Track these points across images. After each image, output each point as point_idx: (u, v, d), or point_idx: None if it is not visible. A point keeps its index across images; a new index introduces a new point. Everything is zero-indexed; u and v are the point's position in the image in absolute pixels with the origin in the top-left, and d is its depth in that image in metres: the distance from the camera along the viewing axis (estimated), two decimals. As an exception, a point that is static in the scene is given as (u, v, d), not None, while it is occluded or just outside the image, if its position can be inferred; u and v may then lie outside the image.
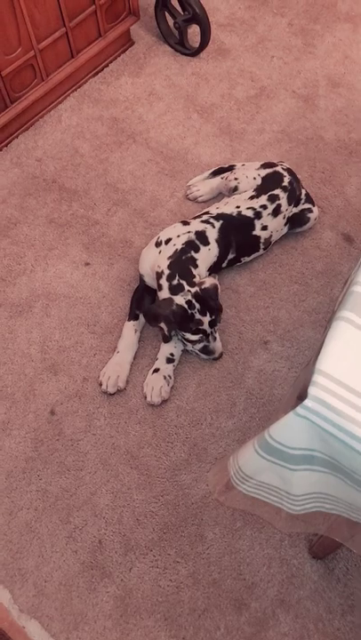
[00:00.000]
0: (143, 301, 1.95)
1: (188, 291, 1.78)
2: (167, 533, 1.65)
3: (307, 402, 0.88)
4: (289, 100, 2.46)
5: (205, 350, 1.84)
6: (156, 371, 1.84)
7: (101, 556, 1.62)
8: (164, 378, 1.82)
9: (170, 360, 1.85)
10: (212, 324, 1.80)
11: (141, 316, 1.92)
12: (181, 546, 1.63)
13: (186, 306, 1.76)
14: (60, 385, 1.86)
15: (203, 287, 1.79)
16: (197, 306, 1.77)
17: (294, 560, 1.61)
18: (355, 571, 1.59)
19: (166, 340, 1.81)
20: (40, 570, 1.61)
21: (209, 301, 1.78)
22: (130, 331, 1.90)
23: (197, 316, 1.77)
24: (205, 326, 1.78)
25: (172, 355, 1.86)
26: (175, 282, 1.80)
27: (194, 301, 1.77)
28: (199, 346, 1.83)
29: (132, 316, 1.92)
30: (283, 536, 1.63)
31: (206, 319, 1.78)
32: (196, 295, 1.78)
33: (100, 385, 1.84)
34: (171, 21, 2.58)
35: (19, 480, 1.72)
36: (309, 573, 1.59)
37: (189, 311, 1.76)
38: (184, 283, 1.80)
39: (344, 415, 0.87)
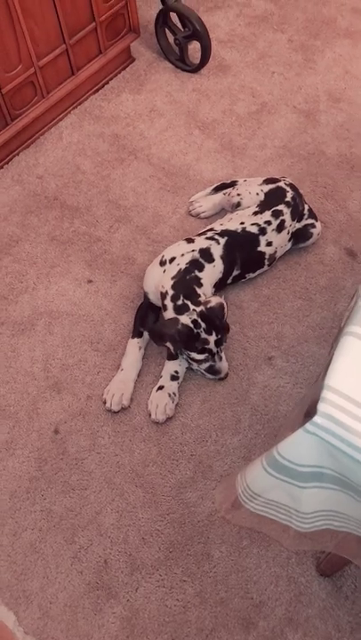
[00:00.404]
0: (147, 319, 1.98)
1: (194, 310, 1.81)
2: (173, 552, 1.67)
3: (316, 418, 0.89)
4: (290, 116, 2.51)
5: (211, 370, 1.87)
6: (161, 388, 1.87)
7: (107, 576, 1.64)
8: (169, 395, 1.85)
9: (174, 377, 1.88)
10: (217, 343, 1.82)
11: (145, 334, 1.95)
12: (188, 565, 1.65)
13: (192, 325, 1.79)
14: (63, 403, 1.89)
15: (208, 306, 1.81)
16: (203, 325, 1.80)
17: (302, 578, 1.63)
18: (363, 588, 1.62)
19: (172, 357, 1.84)
20: (45, 591, 1.62)
21: (215, 320, 1.80)
22: (134, 348, 1.93)
23: (203, 335, 1.80)
24: (211, 345, 1.81)
25: (176, 372, 1.89)
26: (180, 302, 1.83)
27: (200, 320, 1.80)
28: (205, 365, 1.86)
29: (136, 334, 1.95)
30: (290, 554, 1.65)
31: (212, 338, 1.81)
32: (201, 314, 1.80)
33: (104, 403, 1.87)
34: (171, 38, 2.63)
35: (23, 500, 1.74)
36: (317, 591, 1.61)
37: (195, 330, 1.79)
38: (189, 303, 1.83)
39: (353, 431, 0.87)
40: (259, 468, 1.02)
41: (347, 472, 0.92)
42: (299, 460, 0.95)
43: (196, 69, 2.64)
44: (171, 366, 1.89)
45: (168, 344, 1.80)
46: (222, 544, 1.67)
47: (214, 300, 1.83)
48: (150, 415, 1.85)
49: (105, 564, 1.65)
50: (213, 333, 1.80)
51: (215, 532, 1.69)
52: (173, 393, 1.86)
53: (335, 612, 1.59)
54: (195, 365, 1.87)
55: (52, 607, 1.60)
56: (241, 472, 1.11)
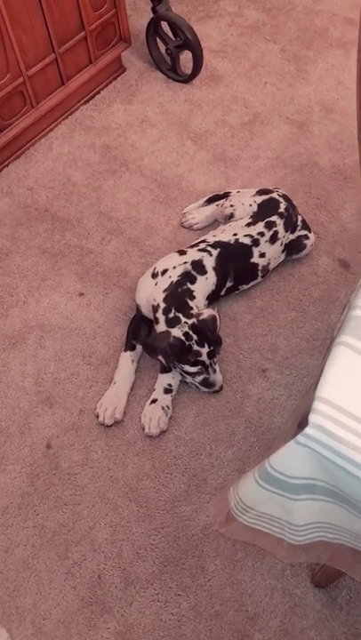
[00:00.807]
0: (140, 331, 2.02)
1: (185, 322, 1.86)
2: (168, 566, 1.70)
3: (307, 430, 0.89)
4: (283, 127, 2.57)
5: (205, 383, 1.91)
6: (154, 401, 1.91)
7: (101, 591, 1.67)
8: (162, 408, 1.89)
9: (168, 390, 1.92)
10: (210, 354, 1.87)
11: (138, 347, 1.99)
12: (182, 578, 1.69)
13: (183, 338, 1.83)
14: (55, 418, 1.92)
15: (200, 318, 1.86)
16: (195, 337, 1.84)
17: (297, 590, 1.67)
18: (357, 598, 1.65)
19: (165, 370, 1.89)
20: (38, 607, 1.66)
21: (207, 332, 1.85)
22: (126, 361, 1.97)
23: (195, 347, 1.84)
24: (204, 357, 1.86)
25: (169, 385, 1.93)
26: (171, 315, 1.88)
27: (191, 333, 1.84)
28: (199, 378, 1.90)
29: (129, 347, 1.99)
30: (285, 566, 1.69)
31: (205, 350, 1.85)
32: (193, 327, 1.85)
33: (97, 417, 1.90)
34: (162, 47, 2.69)
35: (15, 516, 1.78)
36: (312, 603, 1.65)
37: (187, 343, 1.83)
38: (180, 315, 1.87)
39: (346, 442, 0.87)
40: (251, 480, 1.04)
41: (339, 484, 0.93)
42: (291, 472, 0.96)
43: (187, 79, 2.70)
44: (164, 379, 1.93)
45: (160, 357, 1.84)
46: (217, 557, 1.71)
47: (206, 313, 1.87)
48: (144, 429, 1.88)
49: (99, 579, 1.69)
50: (206, 345, 1.85)
51: (210, 546, 1.73)
52: (167, 406, 1.90)
53: (330, 624, 1.63)
54: (189, 379, 1.91)
55: (46, 623, 1.64)
56: (234, 485, 1.13)
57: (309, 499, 1.00)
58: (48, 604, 1.66)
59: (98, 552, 1.73)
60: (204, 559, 1.71)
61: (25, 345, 2.05)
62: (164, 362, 1.85)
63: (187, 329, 1.84)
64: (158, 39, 2.70)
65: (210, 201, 2.32)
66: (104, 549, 1.73)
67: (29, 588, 1.68)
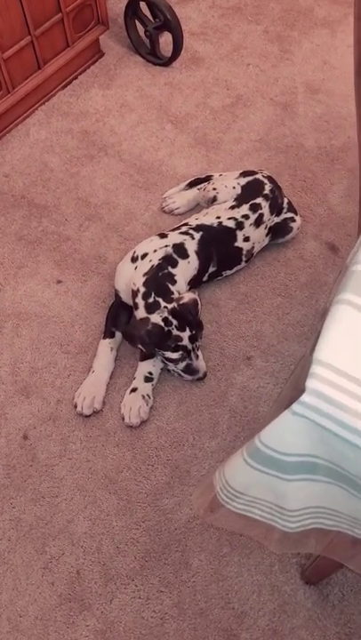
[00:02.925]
0: (119, 318, 1.98)
1: (165, 307, 1.82)
2: (150, 561, 1.66)
3: (304, 397, 0.80)
4: (267, 108, 2.54)
5: (188, 370, 1.87)
6: (134, 390, 1.87)
7: (80, 587, 1.63)
8: (143, 397, 1.85)
9: (148, 379, 1.88)
10: (192, 339, 1.83)
11: (118, 334, 1.95)
12: (165, 574, 1.64)
13: (162, 323, 1.80)
14: (32, 408, 1.88)
15: (181, 302, 1.82)
16: (175, 322, 1.80)
17: (286, 586, 1.62)
18: (351, 596, 1.61)
19: (146, 357, 1.85)
20: (14, 604, 1.61)
21: (187, 316, 1.81)
22: (105, 349, 1.93)
23: (175, 332, 1.80)
24: (185, 342, 1.82)
25: (150, 373, 1.89)
26: (151, 300, 1.84)
27: (170, 318, 1.80)
28: (182, 365, 1.86)
29: (108, 334, 1.96)
30: (273, 561, 1.65)
31: (186, 334, 1.81)
32: (173, 311, 1.81)
33: (75, 407, 1.86)
34: (141, 30, 2.66)
35: (-10, 510, 1.74)
36: (303, 600, 1.61)
37: (166, 328, 1.80)
38: (160, 300, 1.83)
39: (349, 410, 0.79)
40: (239, 460, 0.94)
41: (341, 460, 0.84)
42: (284, 449, 0.87)
43: (167, 63, 2.67)
44: (144, 367, 1.89)
45: (140, 346, 1.80)
46: (201, 552, 1.67)
47: (187, 297, 1.84)
48: (123, 419, 1.84)
49: (77, 574, 1.64)
50: (187, 329, 1.81)
51: (194, 540, 1.69)
52: (148, 395, 1.86)
53: (322, 623, 1.58)
54: (171, 366, 1.88)
55: (23, 620, 1.59)
56: (219, 467, 1.04)
57: (305, 479, 0.92)
58: (25, 600, 1.62)
59: (76, 546, 1.68)
60: (188, 554, 1.67)
61: (1, 334, 2.01)
62: (144, 350, 1.81)
63: (166, 314, 1.80)
64: (137, 21, 2.67)
65: (191, 185, 2.29)
66: (83, 544, 1.69)
67: (5, 584, 1.64)
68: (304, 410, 0.80)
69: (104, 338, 1.95)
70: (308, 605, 1.60)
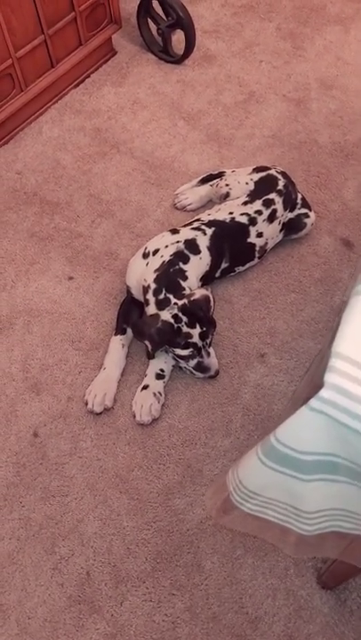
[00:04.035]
0: (131, 314, 1.89)
1: (175, 303, 1.73)
2: (161, 563, 1.57)
3: (322, 392, 0.74)
4: (280, 105, 2.43)
5: (200, 367, 1.78)
6: (146, 387, 1.77)
7: (90, 588, 1.54)
8: (154, 395, 1.75)
9: (160, 376, 1.79)
10: (202, 336, 1.74)
11: (129, 331, 1.86)
12: (177, 577, 1.55)
13: (172, 320, 1.71)
14: (43, 405, 1.79)
15: (192, 299, 1.73)
16: (185, 319, 1.71)
17: (302, 591, 1.52)
18: (369, 601, 1.51)
19: (150, 357, 1.75)
20: (23, 605, 1.52)
21: (198, 312, 1.72)
22: (117, 345, 1.84)
23: (185, 329, 1.71)
24: (195, 339, 1.72)
25: (162, 370, 1.80)
26: (162, 296, 1.75)
27: (180, 314, 1.71)
28: (193, 362, 1.77)
29: (119, 330, 1.86)
30: (288, 564, 1.55)
31: (196, 331, 1.72)
32: (183, 307, 1.72)
33: (86, 404, 1.77)
34: (154, 28, 2.57)
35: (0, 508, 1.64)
36: (319, 605, 1.51)
37: (176, 325, 1.71)
38: (171, 296, 1.74)
39: None
40: (253, 459, 0.89)
41: (360, 459, 0.79)
42: (302, 447, 0.81)
43: (179, 60, 2.57)
44: (156, 364, 1.80)
45: (147, 342, 1.71)
46: (214, 554, 1.57)
47: (198, 293, 1.74)
48: (135, 416, 1.75)
49: (87, 575, 1.55)
50: (197, 326, 1.72)
51: (206, 542, 1.59)
52: (159, 392, 1.77)
53: (339, 629, 1.48)
54: (182, 363, 1.78)
55: (31, 623, 1.50)
56: (233, 467, 0.99)
57: (323, 479, 0.86)
58: (34, 601, 1.53)
59: (86, 547, 1.59)
60: (201, 556, 1.57)
61: (12, 330, 1.92)
62: (149, 348, 1.72)
63: (176, 311, 1.71)
64: (150, 19, 2.58)
65: (204, 181, 2.19)
66: (93, 544, 1.59)
67: (14, 585, 1.55)
68: (322, 405, 0.74)
69: (115, 334, 1.86)
70: (325, 611, 1.50)
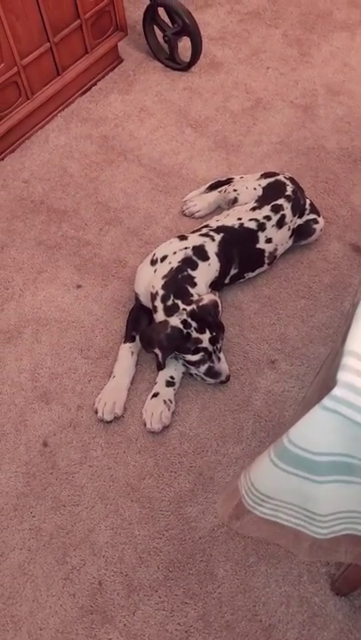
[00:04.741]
0: (140, 322, 1.90)
1: (184, 309, 1.74)
2: (173, 572, 1.57)
3: (336, 390, 0.73)
4: (287, 111, 2.45)
5: (211, 372, 1.79)
6: (156, 395, 1.78)
7: (102, 598, 1.54)
8: (165, 402, 1.76)
9: (170, 383, 1.80)
10: (212, 341, 1.75)
11: (138, 338, 1.86)
12: (190, 585, 1.55)
13: (181, 326, 1.72)
14: (52, 414, 1.80)
15: (200, 304, 1.74)
16: (194, 324, 1.72)
17: (315, 598, 1.53)
18: (383, 607, 1.51)
19: (161, 367, 1.76)
20: (35, 616, 1.53)
21: (207, 318, 1.73)
22: (126, 353, 1.85)
23: (194, 334, 1.72)
24: (206, 344, 1.73)
25: (172, 377, 1.80)
26: (170, 302, 1.76)
27: (189, 320, 1.72)
28: (203, 368, 1.78)
29: (129, 338, 1.88)
30: (301, 571, 1.55)
31: (206, 336, 1.73)
32: (191, 313, 1.73)
33: (96, 412, 1.78)
34: (160, 36, 2.59)
35: (10, 518, 1.65)
36: (333, 612, 1.51)
37: (185, 331, 1.72)
38: (179, 302, 1.76)
39: None
40: (266, 461, 0.88)
41: None
42: (315, 448, 0.80)
43: (186, 68, 2.60)
44: (166, 372, 1.81)
45: (156, 351, 1.72)
46: (227, 562, 1.57)
47: (207, 298, 1.76)
48: (145, 424, 1.76)
49: (99, 585, 1.55)
50: (207, 331, 1.73)
51: (219, 549, 1.59)
52: (169, 400, 1.77)
53: (354, 635, 1.48)
54: (193, 369, 1.79)
55: (43, 634, 1.50)
56: (245, 470, 0.98)
57: (338, 481, 0.85)
58: (45, 612, 1.53)
59: (98, 556, 1.59)
60: (213, 564, 1.57)
61: (21, 339, 1.93)
62: (159, 356, 1.72)
63: (185, 316, 1.72)
64: (156, 27, 2.60)
65: (212, 188, 2.21)
66: (105, 553, 1.60)
67: (25, 596, 1.55)
68: (336, 404, 0.74)
69: (125, 342, 1.87)
70: (340, 617, 1.50)
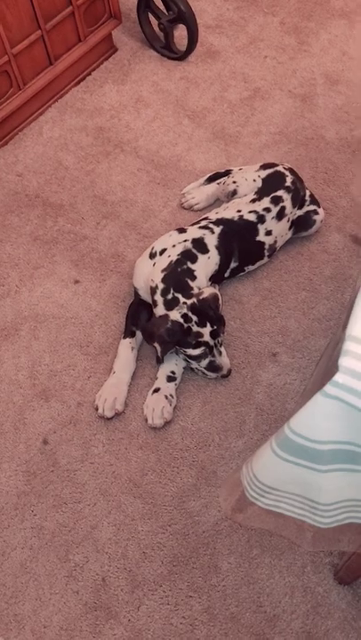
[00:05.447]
0: (139, 316, 1.96)
1: (184, 303, 1.79)
2: (177, 566, 1.62)
3: (337, 377, 0.73)
4: (285, 101, 2.51)
5: (212, 367, 1.84)
6: (157, 390, 1.83)
7: (106, 595, 1.60)
8: (166, 398, 1.82)
9: (171, 378, 1.85)
10: (213, 334, 1.80)
11: (138, 333, 1.92)
12: (194, 579, 1.61)
13: (182, 320, 1.77)
14: (52, 412, 1.86)
15: (201, 298, 1.80)
16: (195, 318, 1.78)
17: (319, 587, 1.59)
18: (387, 597, 1.57)
19: (159, 361, 1.82)
20: (38, 614, 1.58)
21: (208, 311, 1.78)
22: (126, 349, 1.90)
23: (195, 328, 1.78)
24: (207, 338, 1.79)
25: (173, 372, 1.86)
26: (170, 296, 1.81)
27: (190, 314, 1.78)
28: (205, 362, 1.83)
29: (128, 333, 1.93)
30: (305, 562, 1.61)
31: (207, 330, 1.78)
32: (192, 307, 1.78)
33: (97, 409, 1.83)
34: (155, 24, 2.63)
35: (11, 517, 1.71)
36: (337, 601, 1.57)
37: (185, 325, 1.77)
38: (179, 296, 1.81)
39: None
40: (267, 452, 0.89)
41: None
42: (317, 436, 0.81)
43: (182, 57, 2.64)
44: (167, 367, 1.86)
45: (156, 345, 1.77)
46: (230, 555, 1.63)
47: (207, 291, 1.81)
48: (147, 420, 1.81)
49: (103, 581, 1.61)
50: (208, 325, 1.78)
51: (222, 543, 1.65)
52: (171, 395, 1.83)
53: (357, 624, 1.54)
54: (194, 364, 1.84)
55: (47, 631, 1.56)
56: (247, 462, 1.00)
57: (341, 469, 0.86)
58: (49, 610, 1.58)
59: (101, 553, 1.65)
60: (217, 557, 1.63)
61: (18, 337, 1.99)
62: (159, 351, 1.78)
63: (185, 310, 1.77)
64: (150, 14, 2.64)
65: (210, 180, 2.26)
66: (108, 550, 1.65)
67: (28, 594, 1.61)
68: (338, 391, 0.74)
69: (124, 337, 1.93)
70: (343, 606, 1.56)
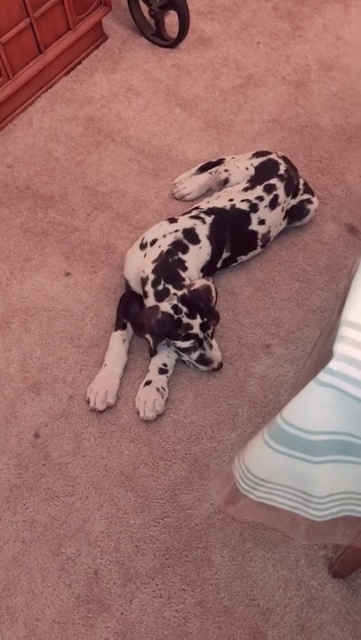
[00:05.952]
0: (131, 309, 1.98)
1: (175, 294, 1.82)
2: (170, 559, 1.66)
3: (332, 364, 0.71)
4: (279, 88, 2.53)
5: (202, 360, 1.87)
6: (148, 383, 1.87)
7: (98, 588, 1.63)
8: (158, 390, 1.85)
9: (163, 371, 1.88)
10: (203, 327, 1.83)
11: (129, 325, 1.95)
12: (186, 572, 1.64)
13: (172, 311, 1.80)
14: (43, 405, 1.89)
15: (192, 289, 1.82)
16: (185, 309, 1.80)
17: (313, 581, 1.62)
18: (382, 590, 1.61)
19: (152, 353, 1.85)
20: (30, 607, 1.62)
21: (198, 303, 1.81)
22: (117, 341, 1.93)
23: (185, 319, 1.80)
24: (196, 330, 1.81)
25: (164, 365, 1.89)
26: (161, 287, 1.84)
27: (180, 305, 1.80)
28: (195, 355, 1.86)
29: (120, 326, 1.96)
30: (299, 555, 1.65)
31: (196, 322, 1.81)
32: (182, 298, 1.81)
33: (88, 402, 1.87)
34: (146, 10, 2.66)
35: (3, 510, 1.74)
36: (331, 595, 1.60)
37: (175, 316, 1.80)
38: (170, 287, 1.83)
39: None
40: (260, 443, 0.88)
41: None
42: (311, 426, 0.79)
43: (174, 44, 2.67)
44: (158, 359, 1.90)
45: (147, 336, 1.80)
46: (223, 548, 1.67)
47: (199, 283, 1.83)
48: (138, 413, 1.84)
49: (95, 575, 1.65)
50: (198, 317, 1.81)
51: (215, 536, 1.68)
52: (162, 387, 1.86)
53: (352, 617, 1.58)
54: (185, 356, 1.88)
55: (39, 624, 1.60)
56: (238, 453, 0.99)
57: (335, 460, 0.85)
58: (41, 603, 1.62)
59: (93, 546, 1.68)
60: (210, 550, 1.67)
61: (9, 330, 2.02)
62: (151, 343, 1.81)
63: (175, 301, 1.80)
64: (141, 1, 2.67)
65: (202, 169, 2.29)
66: (100, 543, 1.69)
67: (20, 587, 1.64)
68: (333, 379, 0.72)
69: (116, 330, 1.96)
70: (337, 600, 1.59)
